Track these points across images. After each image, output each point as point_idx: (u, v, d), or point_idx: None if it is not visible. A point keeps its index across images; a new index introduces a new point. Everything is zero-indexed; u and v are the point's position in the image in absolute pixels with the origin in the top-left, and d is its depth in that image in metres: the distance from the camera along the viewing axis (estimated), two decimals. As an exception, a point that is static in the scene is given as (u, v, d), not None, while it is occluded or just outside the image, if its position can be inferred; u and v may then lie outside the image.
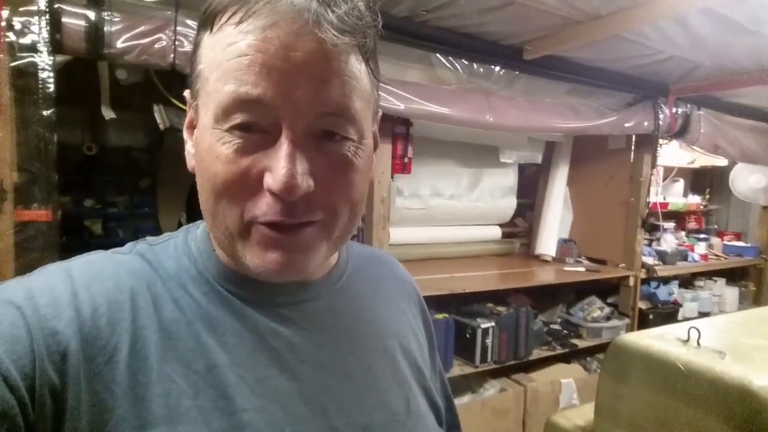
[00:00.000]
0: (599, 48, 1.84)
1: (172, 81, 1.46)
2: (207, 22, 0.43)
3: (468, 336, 2.21)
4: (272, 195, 0.41)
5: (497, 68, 1.92)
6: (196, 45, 0.45)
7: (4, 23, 1.24)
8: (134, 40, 1.26)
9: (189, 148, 0.49)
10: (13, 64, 1.26)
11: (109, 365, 0.40)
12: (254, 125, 0.40)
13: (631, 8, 1.53)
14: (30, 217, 1.32)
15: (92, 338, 0.40)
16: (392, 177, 2.11)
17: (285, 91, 0.39)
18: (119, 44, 1.26)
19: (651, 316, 2.82)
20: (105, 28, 1.23)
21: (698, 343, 1.10)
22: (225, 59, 0.40)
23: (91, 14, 1.24)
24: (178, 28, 1.23)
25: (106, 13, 1.24)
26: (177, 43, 1.22)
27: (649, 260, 2.91)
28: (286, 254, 0.43)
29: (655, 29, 1.71)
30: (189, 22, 1.27)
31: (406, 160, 1.97)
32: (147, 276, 0.46)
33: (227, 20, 0.41)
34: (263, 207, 0.41)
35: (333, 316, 0.53)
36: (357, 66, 0.43)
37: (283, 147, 0.40)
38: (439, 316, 2.17)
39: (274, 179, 0.40)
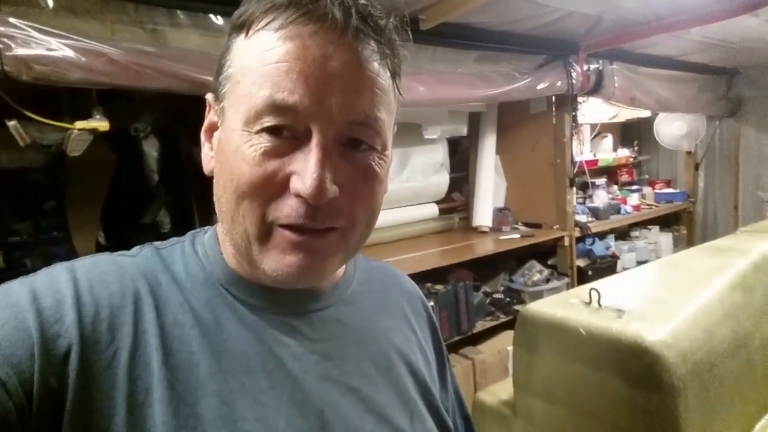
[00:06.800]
0: (496, 11, 1.79)
1: (26, 92, 1.30)
2: (243, 26, 0.43)
3: (407, 319, 2.17)
4: (298, 198, 0.41)
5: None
6: (226, 49, 0.45)
7: None
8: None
9: (207, 151, 0.50)
10: None
11: (108, 371, 0.39)
12: (284, 129, 0.41)
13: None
14: None
15: (93, 342, 0.40)
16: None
17: (320, 99, 0.40)
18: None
19: (590, 272, 2.87)
20: None
21: (599, 304, 1.09)
22: (262, 64, 0.41)
23: None
24: (1, 29, 1.07)
25: None
26: (1, 46, 1.06)
27: (583, 218, 2.95)
28: (305, 258, 0.43)
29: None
30: (13, 20, 1.10)
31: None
32: (151, 280, 0.46)
33: (265, 26, 0.42)
34: (286, 210, 0.42)
35: (339, 327, 0.52)
36: (386, 80, 0.45)
37: (314, 152, 0.41)
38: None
39: (303, 183, 0.40)
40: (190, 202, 2.47)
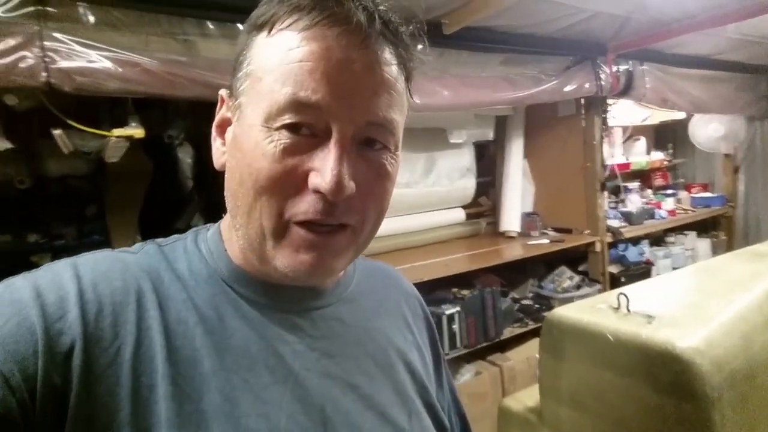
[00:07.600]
0: (519, 14, 1.77)
1: (69, 103, 1.38)
2: (265, 25, 0.44)
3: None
4: (316, 194, 0.42)
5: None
6: (246, 46, 0.46)
7: None
8: (-5, 60, 1.15)
9: (218, 146, 0.50)
10: None
11: (112, 367, 0.40)
12: (304, 126, 0.42)
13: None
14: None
15: (96, 339, 0.40)
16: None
17: (341, 98, 0.42)
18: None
19: (623, 279, 2.79)
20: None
21: (628, 310, 1.06)
22: (285, 62, 0.42)
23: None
24: (46, 44, 1.14)
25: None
26: (47, 59, 1.13)
27: (615, 223, 2.87)
28: (317, 256, 0.44)
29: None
30: (58, 35, 1.17)
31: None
32: (154, 276, 0.46)
33: (289, 26, 0.43)
34: (304, 206, 0.43)
35: (339, 325, 0.53)
36: (401, 83, 0.47)
37: (333, 150, 0.42)
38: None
39: (323, 179, 0.41)
40: (223, 207, 2.54)
